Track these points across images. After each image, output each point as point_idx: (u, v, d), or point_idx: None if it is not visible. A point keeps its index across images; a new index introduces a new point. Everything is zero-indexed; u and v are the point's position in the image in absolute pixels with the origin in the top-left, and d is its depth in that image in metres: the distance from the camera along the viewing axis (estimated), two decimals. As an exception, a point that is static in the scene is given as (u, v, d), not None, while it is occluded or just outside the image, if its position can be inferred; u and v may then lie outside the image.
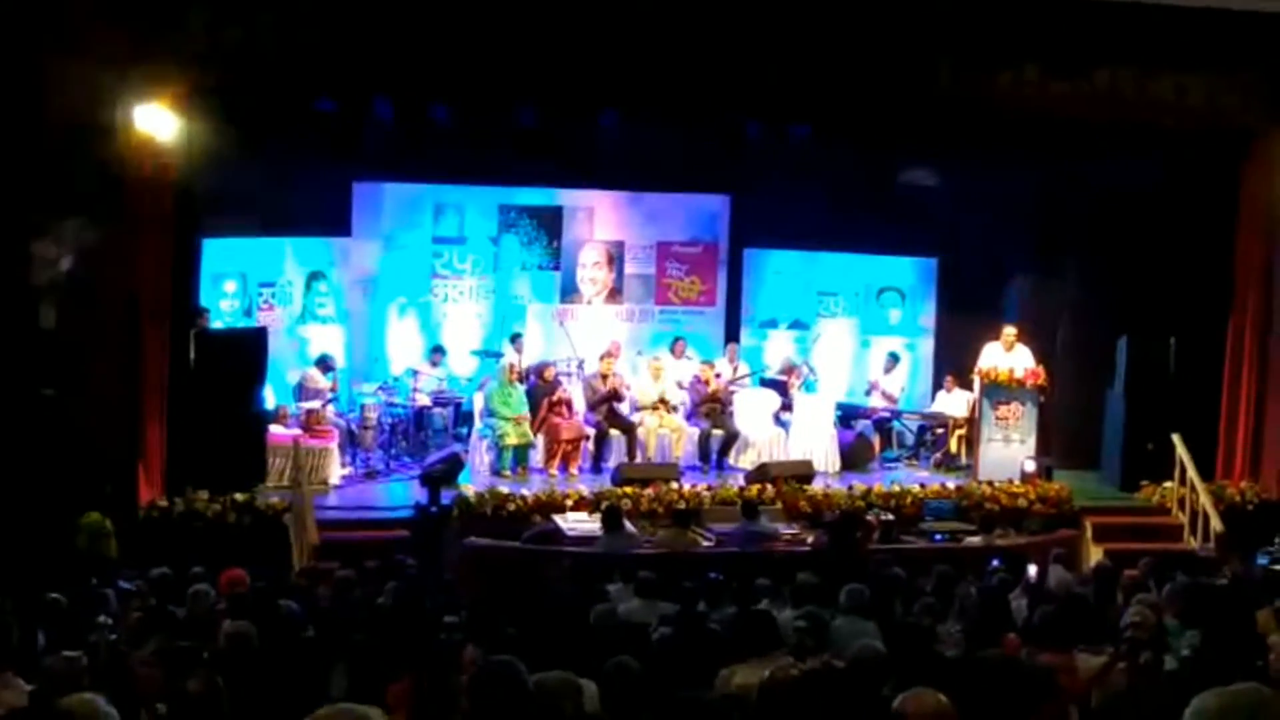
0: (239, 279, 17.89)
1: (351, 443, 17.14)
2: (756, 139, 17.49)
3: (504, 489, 15.57)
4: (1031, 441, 17.07)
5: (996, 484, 16.43)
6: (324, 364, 17.39)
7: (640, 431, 17.37)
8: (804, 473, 16.58)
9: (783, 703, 6.38)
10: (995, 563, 12.39)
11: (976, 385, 17.34)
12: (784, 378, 18.82)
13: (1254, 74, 15.98)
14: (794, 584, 10.37)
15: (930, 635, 8.24)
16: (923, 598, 10.16)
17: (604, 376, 17.49)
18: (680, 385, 18.08)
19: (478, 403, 17.49)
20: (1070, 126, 16.16)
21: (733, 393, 18.08)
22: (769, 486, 15.88)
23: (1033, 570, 11.90)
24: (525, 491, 15.57)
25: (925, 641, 7.80)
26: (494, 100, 16.14)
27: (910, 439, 18.76)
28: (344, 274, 18.66)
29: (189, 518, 14.46)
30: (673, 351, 18.55)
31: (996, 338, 17.42)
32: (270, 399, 16.55)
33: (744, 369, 18.71)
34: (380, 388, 17.56)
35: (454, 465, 16.11)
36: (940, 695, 5.22)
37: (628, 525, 14.18)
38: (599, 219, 19.46)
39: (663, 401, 17.70)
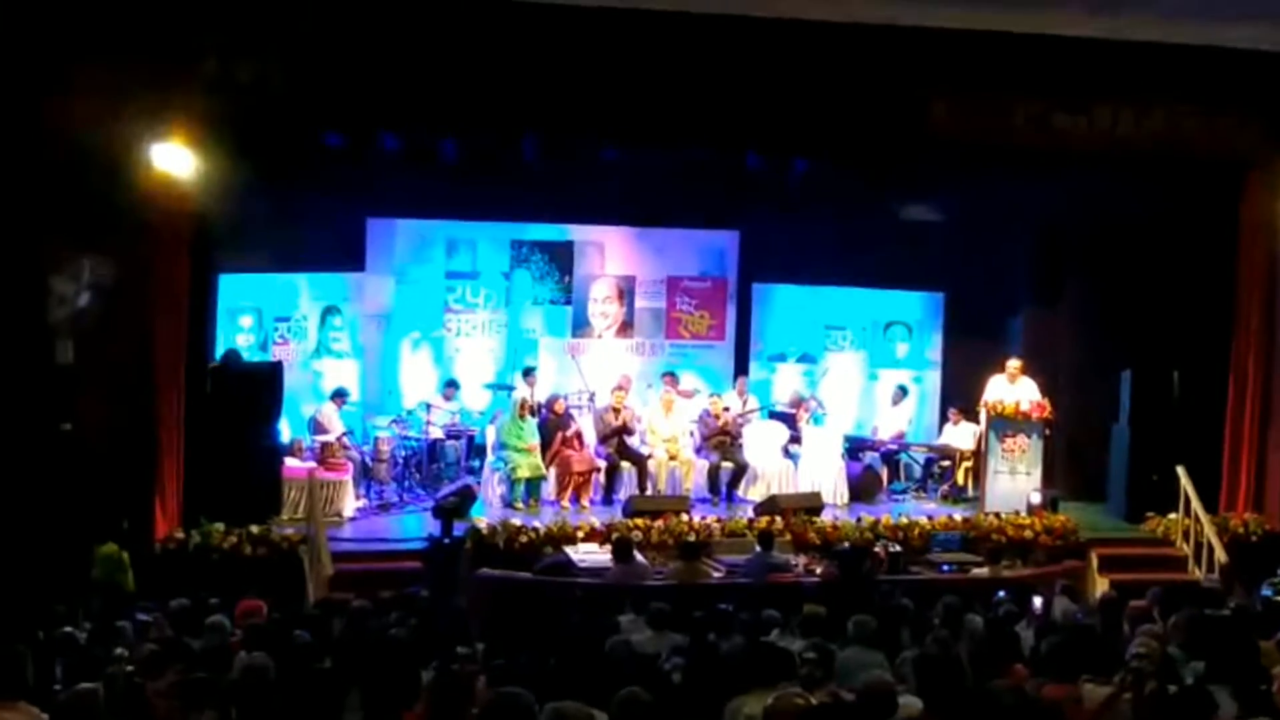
0: (255, 314, 18.08)
1: (365, 475, 17.25)
2: (763, 175, 17.62)
3: (516, 521, 15.62)
4: (1037, 474, 17.13)
5: (1003, 516, 16.47)
6: (339, 397, 17.51)
7: (651, 464, 17.45)
8: (813, 505, 16.63)
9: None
10: (1001, 594, 12.45)
11: (983, 418, 17.44)
12: (792, 411, 18.91)
13: (1250, 106, 16.09)
14: (801, 615, 10.44)
15: (960, 668, 8.34)
16: (934, 630, 10.21)
17: (615, 410, 17.60)
18: (691, 421, 18.18)
19: (490, 436, 17.59)
20: (1071, 160, 16.28)
21: (742, 426, 18.18)
22: (778, 518, 15.95)
23: (1038, 602, 11.97)
24: (537, 523, 15.63)
25: (956, 674, 7.91)
26: (500, 135, 16.29)
27: (918, 471, 18.86)
28: (358, 308, 18.82)
29: (205, 550, 14.53)
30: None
31: (1001, 370, 17.53)
32: (285, 432, 16.68)
33: (753, 402, 18.81)
34: (394, 421, 17.70)
35: (467, 497, 16.16)
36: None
37: (638, 557, 14.26)
38: (610, 254, 19.62)
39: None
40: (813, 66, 15.28)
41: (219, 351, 16.60)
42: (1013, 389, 17.30)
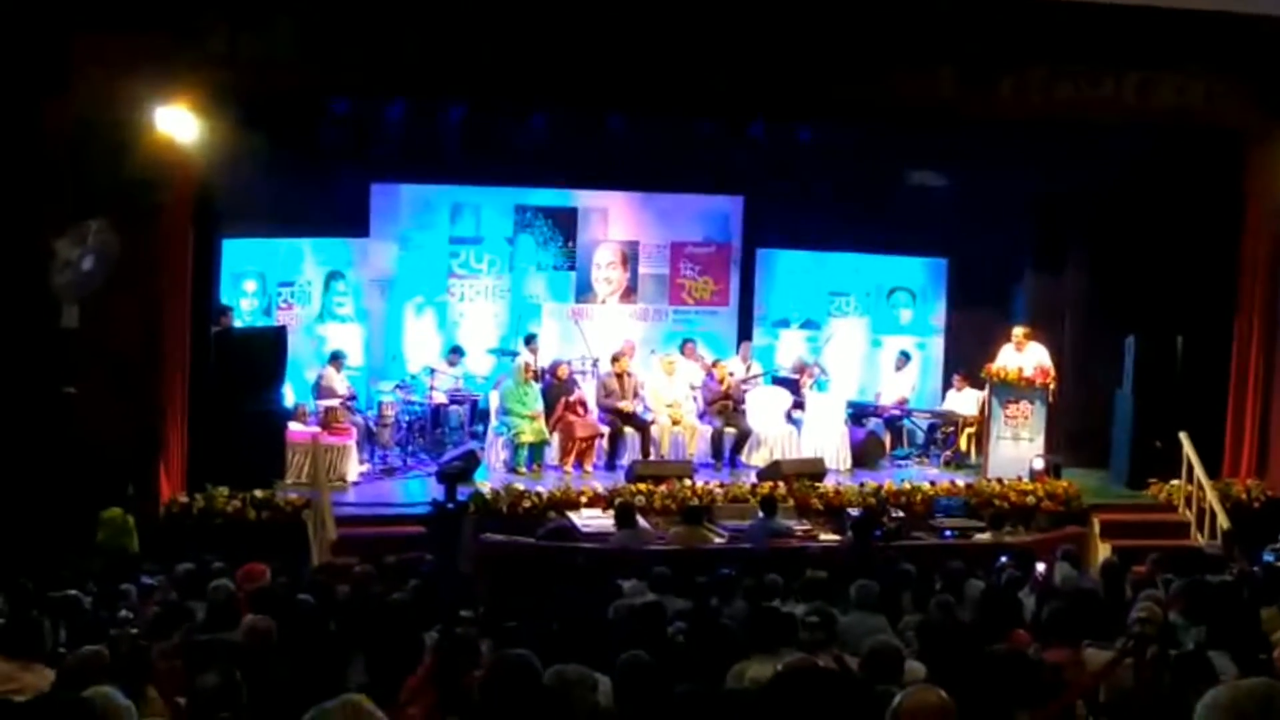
0: (259, 279, 18.08)
1: (369, 440, 17.29)
2: (767, 141, 17.63)
3: (519, 486, 15.68)
4: (1040, 440, 17.18)
5: (1006, 482, 16.55)
6: (336, 360, 17.53)
7: (654, 429, 17.49)
8: (816, 470, 16.68)
9: (796, 696, 6.51)
10: (1004, 559, 12.50)
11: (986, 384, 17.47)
12: (796, 376, 18.93)
13: (1255, 75, 16.06)
14: (803, 580, 10.49)
15: (962, 632, 8.39)
16: (936, 595, 10.25)
17: (619, 376, 17.61)
18: (693, 387, 18.20)
19: (493, 401, 17.63)
20: (1075, 127, 16.26)
21: (745, 391, 18.20)
22: (781, 484, 15.99)
23: (1041, 568, 12.01)
24: (540, 488, 15.70)
25: (958, 639, 7.95)
26: (506, 100, 16.29)
27: (921, 437, 18.89)
28: (362, 274, 18.82)
29: (209, 514, 14.60)
30: (683, 353, 18.65)
31: (1009, 339, 17.55)
32: (289, 397, 16.72)
33: (756, 368, 18.83)
34: (398, 386, 17.73)
35: (470, 462, 16.22)
36: (941, 692, 5.31)
37: (641, 522, 14.31)
38: (614, 219, 19.60)
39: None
40: (818, 32, 15.24)
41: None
42: (1019, 356, 17.32)
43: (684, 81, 15.51)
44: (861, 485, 16.28)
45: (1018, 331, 17.53)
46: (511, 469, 16.82)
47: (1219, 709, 3.55)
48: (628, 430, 17.44)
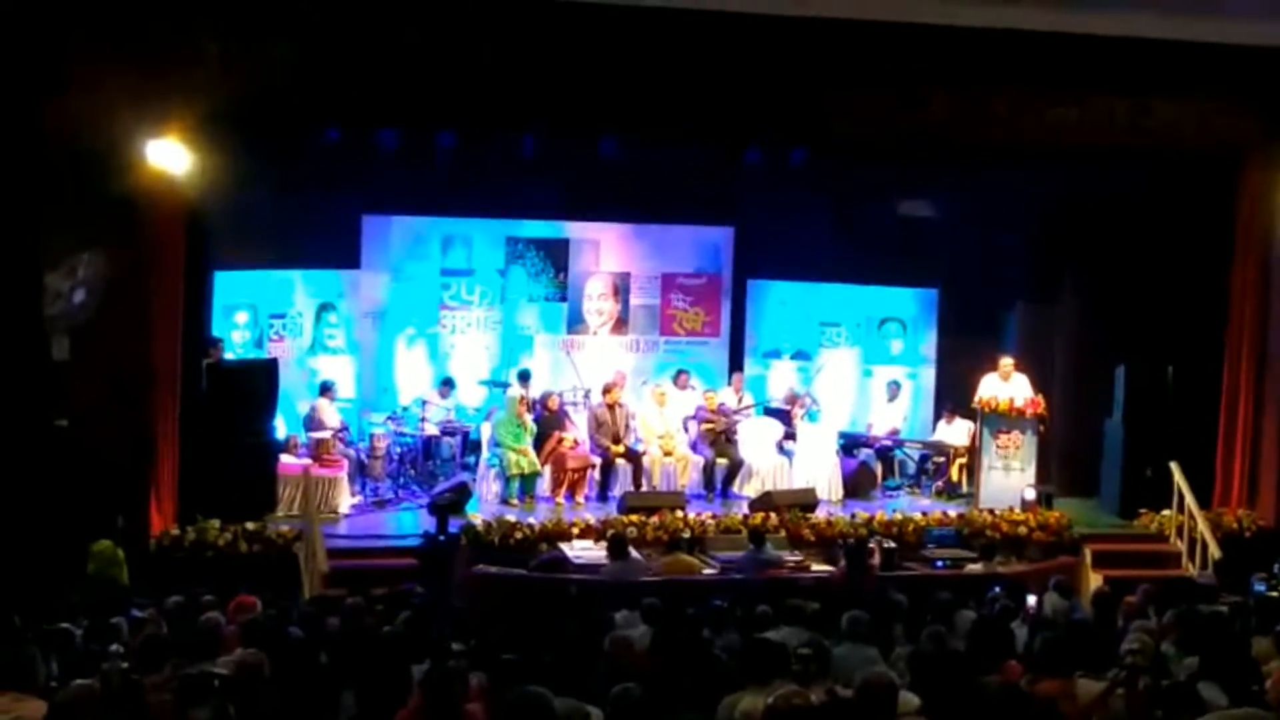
0: (250, 310, 18.09)
1: (361, 472, 17.26)
2: (758, 172, 17.69)
3: (511, 517, 15.67)
4: (1031, 470, 17.16)
5: (997, 512, 16.54)
6: (327, 391, 17.50)
7: (646, 460, 17.49)
8: (807, 501, 16.66)
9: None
10: (996, 589, 12.48)
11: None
12: (787, 407, 18.96)
13: (1246, 100, 16.10)
14: (796, 610, 10.47)
15: (954, 663, 8.38)
16: (928, 625, 10.24)
17: (610, 407, 17.62)
18: (687, 419, 18.21)
19: (485, 432, 17.63)
20: (1066, 153, 16.31)
21: (737, 422, 18.20)
22: (772, 515, 15.99)
23: (1033, 600, 12.00)
24: (532, 520, 15.67)
25: (950, 670, 7.95)
26: (496, 129, 16.35)
27: (912, 468, 18.90)
28: (353, 305, 18.83)
29: (200, 547, 14.56)
30: (676, 383, 18.65)
31: (995, 368, 17.56)
32: (281, 429, 16.71)
33: (748, 399, 18.84)
34: (389, 418, 17.72)
35: (462, 494, 16.19)
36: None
37: (634, 553, 14.30)
38: (605, 251, 19.64)
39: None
40: (810, 61, 15.27)
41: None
42: (1006, 386, 17.34)
43: (676, 111, 15.56)
44: (853, 516, 16.26)
45: (1005, 362, 17.55)
46: (503, 500, 16.83)
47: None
48: (619, 461, 17.42)
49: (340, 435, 17.11)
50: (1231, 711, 3.84)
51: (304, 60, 14.42)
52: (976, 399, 17.36)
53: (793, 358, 20.13)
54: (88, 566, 13.36)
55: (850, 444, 18.88)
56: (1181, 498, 16.33)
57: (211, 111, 14.32)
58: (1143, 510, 16.96)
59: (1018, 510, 16.61)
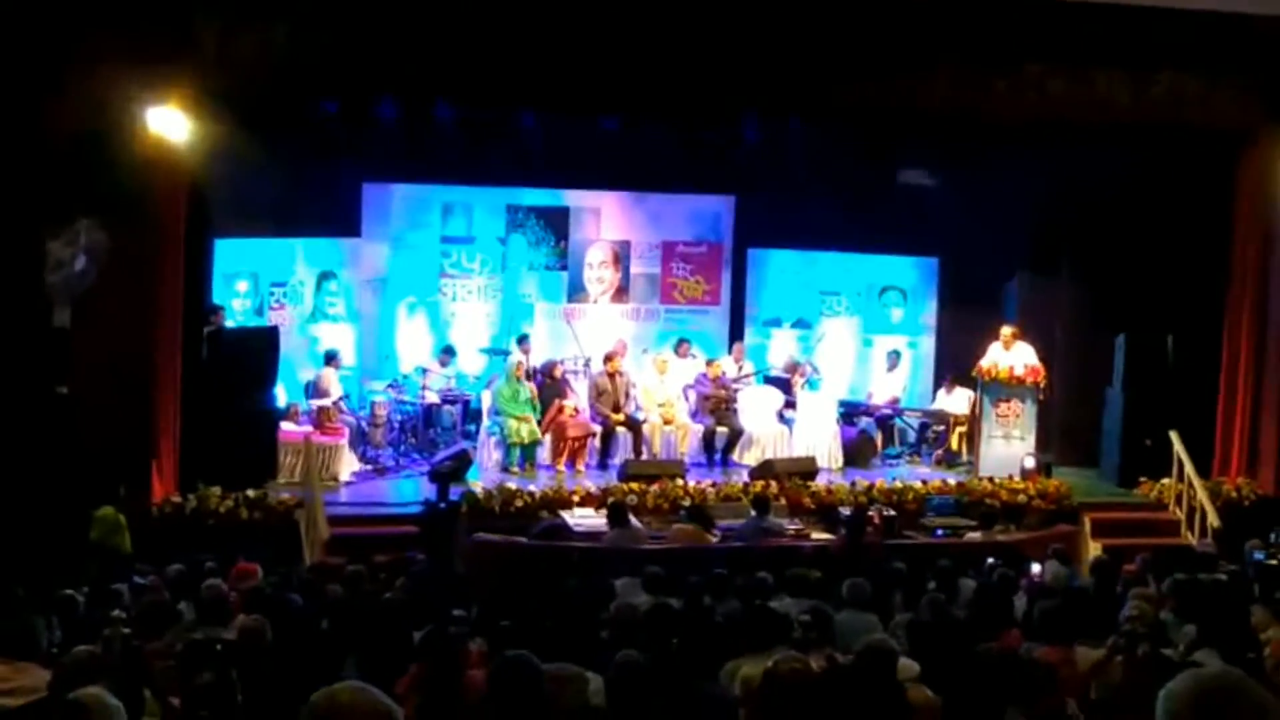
0: (251, 279, 18.11)
1: (361, 440, 17.30)
2: (759, 141, 17.65)
3: (512, 485, 15.70)
4: (1031, 438, 17.20)
5: (997, 480, 16.59)
6: (332, 360, 17.53)
7: (646, 428, 17.53)
8: (807, 469, 16.70)
9: (790, 695, 6.54)
10: (992, 560, 12.50)
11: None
12: (788, 376, 18.98)
13: (1249, 76, 16.07)
14: (799, 580, 10.50)
15: (953, 631, 8.42)
16: (928, 593, 10.27)
17: (611, 376, 17.64)
18: (687, 387, 18.23)
19: (486, 400, 17.66)
20: (1068, 127, 16.28)
21: (737, 390, 18.22)
22: (773, 483, 16.02)
23: (1036, 569, 12.03)
24: (533, 488, 15.71)
25: (949, 638, 7.98)
26: (496, 100, 16.31)
27: (912, 436, 18.94)
28: (354, 274, 18.85)
29: (202, 514, 14.60)
30: (676, 352, 18.67)
31: (998, 337, 17.58)
32: (282, 397, 16.73)
33: (749, 367, 18.85)
34: (390, 385, 17.75)
35: (463, 462, 16.22)
36: (928, 691, 5.33)
37: (634, 521, 14.33)
38: (605, 219, 19.63)
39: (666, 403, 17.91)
40: (813, 32, 15.24)
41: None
42: (1007, 355, 17.34)
43: (677, 80, 15.50)
44: (853, 484, 16.29)
45: (1006, 330, 17.54)
46: (504, 468, 16.86)
47: (1181, 698, 3.53)
48: (620, 429, 17.45)
49: (340, 403, 17.12)
50: (1203, 670, 3.79)
51: (304, 30, 14.42)
52: (978, 366, 17.36)
53: (793, 326, 20.14)
54: (90, 533, 13.39)
55: (850, 412, 18.91)
56: (1181, 466, 16.37)
57: (211, 81, 14.30)
58: (1142, 479, 17.00)
59: (1017, 479, 16.65)
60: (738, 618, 8.63)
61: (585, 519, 14.84)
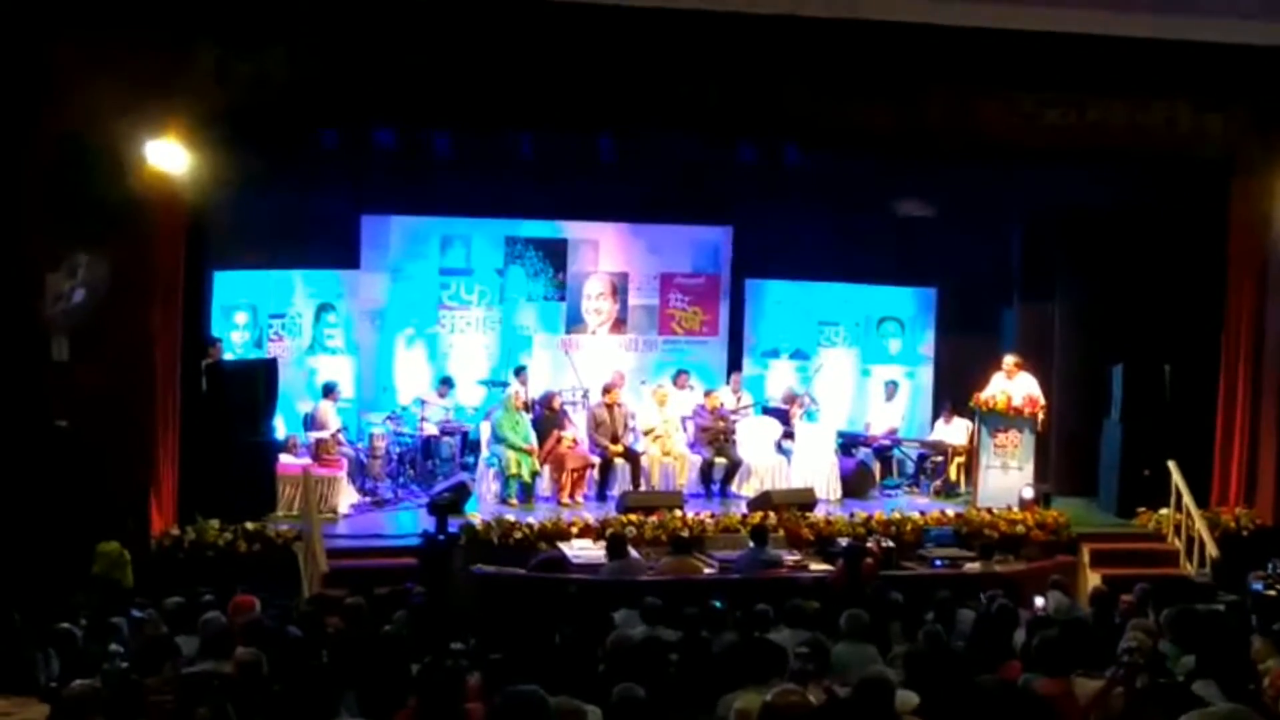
0: (249, 311, 18.13)
1: (360, 472, 17.28)
2: (755, 172, 17.65)
3: (510, 517, 15.67)
4: (1029, 469, 17.18)
5: (995, 511, 16.55)
6: (331, 393, 17.53)
7: (644, 460, 17.52)
8: (806, 500, 16.68)
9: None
10: (990, 592, 12.48)
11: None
12: (786, 407, 18.98)
13: (1241, 104, 16.14)
14: (794, 609, 10.49)
15: (952, 662, 8.40)
16: (926, 624, 10.26)
17: (609, 407, 17.65)
18: (685, 418, 18.23)
19: (484, 432, 17.65)
20: (1062, 154, 16.31)
21: (735, 422, 18.23)
22: (771, 514, 16.00)
23: (1040, 602, 12.01)
24: (531, 519, 15.67)
25: (948, 669, 7.97)
26: (494, 131, 16.35)
27: (910, 467, 18.93)
28: (352, 305, 18.86)
29: (200, 547, 14.58)
30: (675, 384, 18.68)
31: (999, 367, 17.58)
32: (280, 429, 16.74)
33: (747, 399, 18.87)
34: (388, 417, 17.74)
35: (461, 494, 16.17)
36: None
37: (632, 552, 14.31)
38: (604, 250, 19.66)
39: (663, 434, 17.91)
40: (808, 61, 15.30)
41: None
42: (1009, 384, 17.34)
43: (672, 111, 15.53)
44: (851, 515, 16.28)
45: (1009, 360, 17.55)
46: (503, 500, 16.84)
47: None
48: (618, 461, 17.45)
49: (339, 435, 17.12)
50: (1213, 709, 3.80)
51: (301, 61, 14.47)
52: (976, 396, 17.35)
53: (791, 357, 20.15)
54: (92, 567, 13.38)
55: (849, 443, 18.90)
56: (1179, 496, 16.33)
57: (210, 113, 14.33)
58: (1140, 509, 16.95)
59: (1016, 509, 16.62)
60: (736, 649, 8.62)
61: (584, 551, 14.82)
